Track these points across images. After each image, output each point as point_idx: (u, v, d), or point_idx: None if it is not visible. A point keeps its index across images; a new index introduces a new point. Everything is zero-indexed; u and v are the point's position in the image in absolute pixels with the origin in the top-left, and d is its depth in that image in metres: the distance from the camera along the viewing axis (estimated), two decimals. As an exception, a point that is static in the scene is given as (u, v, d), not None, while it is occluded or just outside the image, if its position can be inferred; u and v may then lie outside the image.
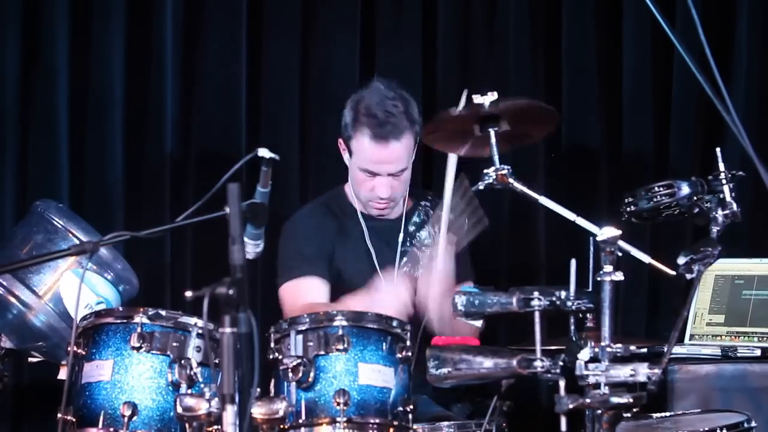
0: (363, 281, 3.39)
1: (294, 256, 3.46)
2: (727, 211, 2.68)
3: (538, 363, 2.50)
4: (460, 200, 3.25)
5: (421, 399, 2.85)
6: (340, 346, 2.74)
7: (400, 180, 3.45)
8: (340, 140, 3.50)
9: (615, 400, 2.41)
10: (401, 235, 3.52)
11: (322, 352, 2.75)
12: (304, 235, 3.49)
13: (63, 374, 3.15)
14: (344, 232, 3.53)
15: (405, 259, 3.49)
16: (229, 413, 2.15)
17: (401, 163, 3.42)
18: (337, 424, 2.69)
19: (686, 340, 3.57)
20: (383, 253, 3.50)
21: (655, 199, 2.73)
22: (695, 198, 2.71)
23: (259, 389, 2.42)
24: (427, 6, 4.19)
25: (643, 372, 2.40)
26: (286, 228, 3.52)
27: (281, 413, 2.59)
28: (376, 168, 3.42)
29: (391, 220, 3.54)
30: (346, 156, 3.51)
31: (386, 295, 3.20)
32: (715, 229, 2.67)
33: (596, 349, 2.43)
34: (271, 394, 2.78)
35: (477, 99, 2.80)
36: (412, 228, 3.54)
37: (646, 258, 2.65)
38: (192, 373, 2.74)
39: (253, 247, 2.87)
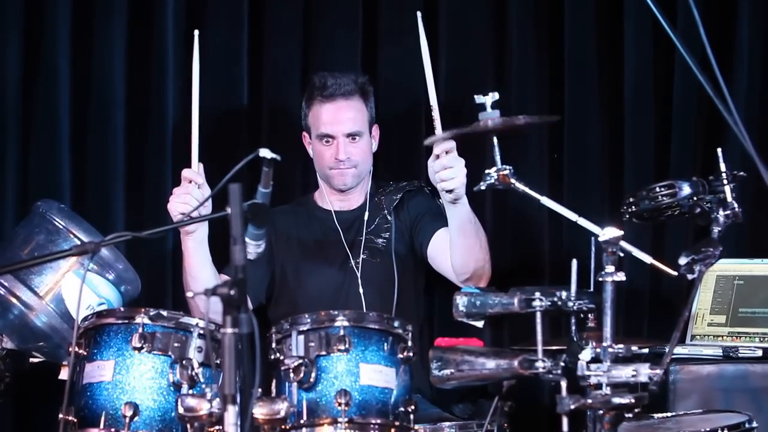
0: (310, 265, 3.54)
1: None
2: (728, 212, 2.68)
3: (539, 364, 2.50)
4: None
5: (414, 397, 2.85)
6: (342, 347, 2.74)
7: (357, 147, 3.55)
8: (303, 134, 3.66)
9: (617, 400, 2.41)
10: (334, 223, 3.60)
11: (324, 353, 2.76)
12: None
13: (64, 374, 3.16)
14: (304, 219, 3.66)
15: (365, 251, 3.56)
16: (231, 414, 2.16)
17: (355, 123, 3.56)
18: (339, 425, 2.69)
19: (688, 340, 3.56)
20: (331, 242, 3.60)
21: (656, 200, 2.72)
22: (696, 198, 2.71)
23: (260, 389, 2.42)
24: (429, 4, 4.18)
25: (644, 372, 2.40)
26: None
27: (282, 413, 2.59)
28: (331, 129, 3.54)
29: (348, 211, 3.64)
30: (310, 150, 3.66)
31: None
32: (716, 230, 2.67)
33: (598, 350, 2.44)
34: (273, 394, 2.79)
35: (478, 99, 2.80)
36: (366, 220, 3.61)
37: (647, 258, 2.65)
38: (193, 373, 2.75)
39: (254, 248, 2.87)
